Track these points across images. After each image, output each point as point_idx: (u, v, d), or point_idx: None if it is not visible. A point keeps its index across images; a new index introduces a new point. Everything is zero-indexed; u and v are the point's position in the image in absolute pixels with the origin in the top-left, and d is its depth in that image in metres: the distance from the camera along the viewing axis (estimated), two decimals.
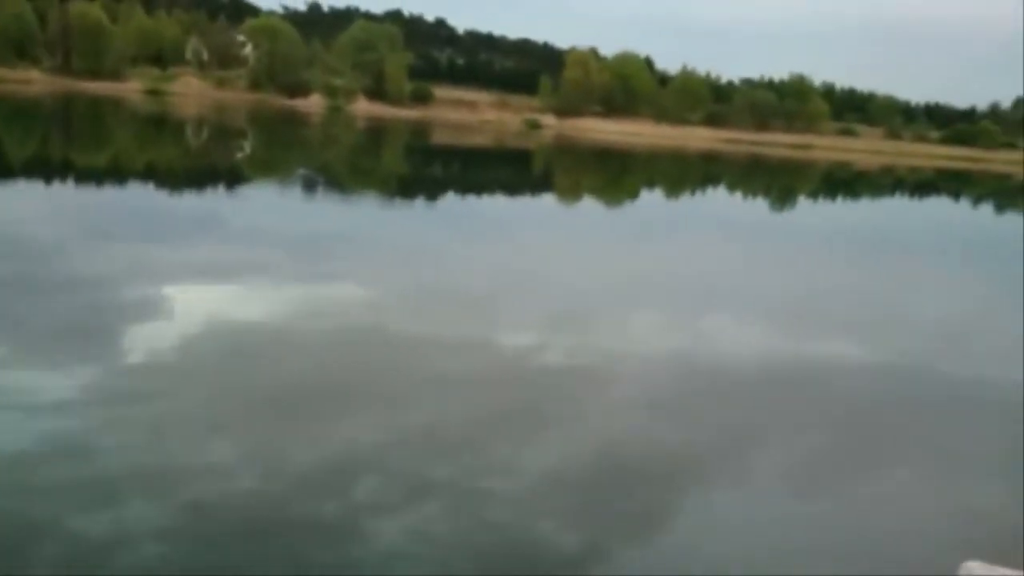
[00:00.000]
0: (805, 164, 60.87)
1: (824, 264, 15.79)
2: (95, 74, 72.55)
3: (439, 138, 55.65)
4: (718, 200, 29.76)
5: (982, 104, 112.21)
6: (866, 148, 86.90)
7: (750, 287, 12.29)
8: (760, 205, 29.29)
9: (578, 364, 7.57)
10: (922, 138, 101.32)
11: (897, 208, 32.87)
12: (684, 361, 8.02)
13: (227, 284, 9.44)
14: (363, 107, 79.51)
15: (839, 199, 35.25)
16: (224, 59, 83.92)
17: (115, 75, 73.94)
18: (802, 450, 6.03)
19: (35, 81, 69.82)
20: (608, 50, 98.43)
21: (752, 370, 7.88)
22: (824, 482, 5.51)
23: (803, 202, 32.26)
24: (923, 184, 50.87)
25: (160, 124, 42.92)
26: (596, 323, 9.19)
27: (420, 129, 62.18)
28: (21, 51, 74.55)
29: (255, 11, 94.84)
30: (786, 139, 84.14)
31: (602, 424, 6.15)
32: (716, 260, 14.81)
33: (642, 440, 5.96)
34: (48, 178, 18.55)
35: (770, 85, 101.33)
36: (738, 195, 33.42)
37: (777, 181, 43.86)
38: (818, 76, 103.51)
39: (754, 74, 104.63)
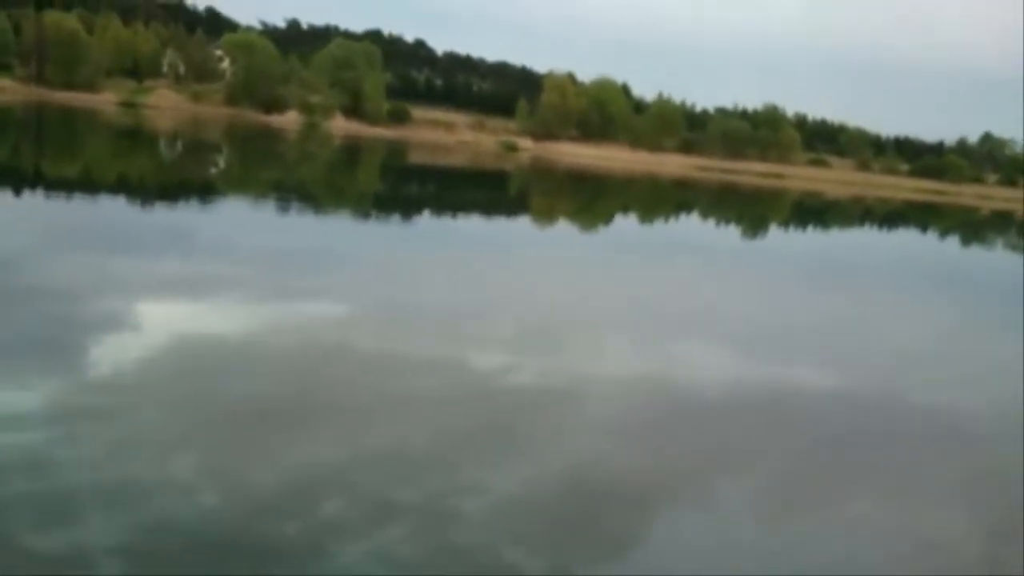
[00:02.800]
0: (777, 192, 61.66)
1: (794, 291, 15.96)
2: (70, 85, 71.91)
3: (416, 158, 55.70)
4: (691, 226, 30.01)
5: (950, 139, 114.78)
6: (837, 178, 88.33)
7: (720, 313, 12.37)
8: (732, 232, 29.57)
9: (545, 385, 7.56)
10: (892, 170, 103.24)
11: (866, 238, 33.34)
12: (652, 385, 8.04)
13: (195, 299, 9.33)
14: (340, 125, 79.48)
15: (810, 228, 35.72)
16: (201, 73, 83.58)
17: (90, 86, 73.35)
18: (766, 476, 6.05)
19: (7, 90, 69.01)
20: (585, 75, 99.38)
21: (720, 396, 7.92)
22: (788, 509, 5.52)
23: (774, 230, 32.63)
24: (892, 215, 51.69)
25: (134, 137, 42.55)
26: (565, 345, 9.20)
27: (397, 148, 62.21)
28: None
29: (233, 26, 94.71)
30: (759, 167, 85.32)
31: (568, 447, 6.12)
32: (687, 285, 14.92)
33: (609, 463, 5.95)
34: (17, 188, 18.29)
35: (743, 115, 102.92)
36: (711, 222, 33.73)
37: (749, 209, 44.36)
38: (791, 107, 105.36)
39: (728, 103, 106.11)
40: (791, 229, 34.47)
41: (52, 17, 76.38)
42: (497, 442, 6.06)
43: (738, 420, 7.29)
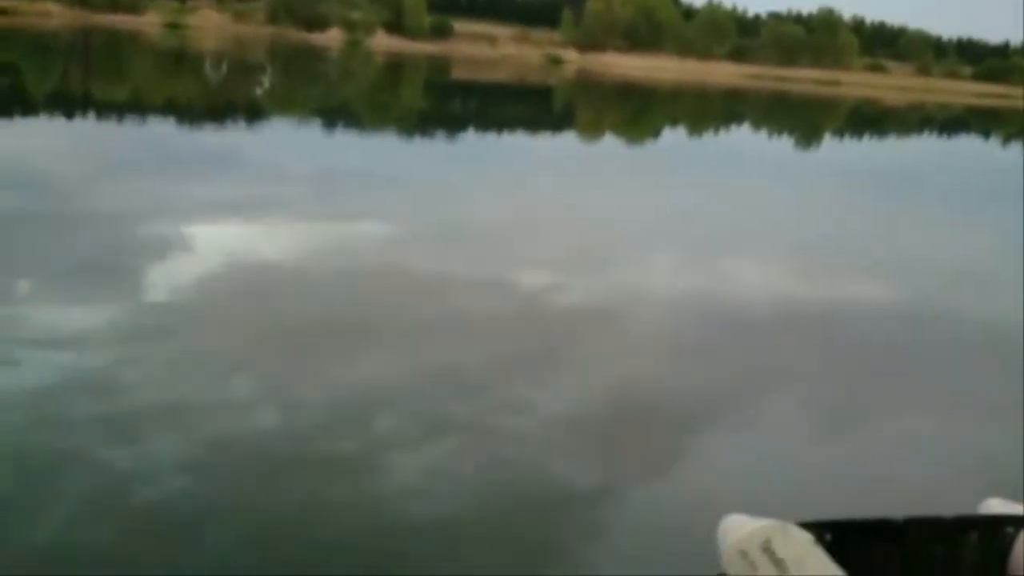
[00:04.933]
0: (832, 100, 59.60)
1: (847, 204, 15.56)
2: (114, 6, 71.80)
3: (459, 73, 54.87)
4: (742, 137, 29.28)
5: (1015, 39, 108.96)
6: (895, 84, 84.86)
7: (770, 227, 12.15)
8: (784, 143, 28.80)
9: (593, 304, 7.56)
10: (953, 74, 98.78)
11: (924, 147, 32.21)
12: (701, 303, 7.98)
13: (245, 221, 9.45)
14: (382, 41, 78.38)
15: (866, 137, 34.59)
16: None
17: (133, 8, 73.15)
18: (817, 392, 6.01)
19: (53, 14, 69.15)
20: None
21: (769, 312, 7.84)
22: (839, 425, 5.50)
23: (828, 140, 31.68)
24: (952, 122, 49.73)
25: (179, 58, 42.58)
26: (612, 263, 9.15)
27: (440, 64, 61.29)
28: None
29: None
30: (813, 74, 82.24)
31: (615, 366, 6.15)
32: (737, 200, 14.63)
33: (656, 381, 5.97)
34: (69, 112, 18.52)
35: (798, 19, 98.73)
36: (763, 132, 32.86)
37: (803, 118, 43.03)
38: (848, 10, 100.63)
39: (781, 7, 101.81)
40: (846, 138, 33.43)
41: None
42: (545, 361, 6.11)
43: (788, 336, 7.23)
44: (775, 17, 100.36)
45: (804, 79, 79.41)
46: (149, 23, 69.97)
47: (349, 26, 78.41)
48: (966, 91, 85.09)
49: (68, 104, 20.09)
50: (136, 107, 20.95)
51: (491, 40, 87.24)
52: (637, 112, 38.38)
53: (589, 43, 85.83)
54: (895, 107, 58.77)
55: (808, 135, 32.28)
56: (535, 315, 7.13)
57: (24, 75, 27.23)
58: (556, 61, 78.59)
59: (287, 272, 7.59)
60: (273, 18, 79.33)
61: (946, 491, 4.57)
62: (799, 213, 13.83)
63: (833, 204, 15.41)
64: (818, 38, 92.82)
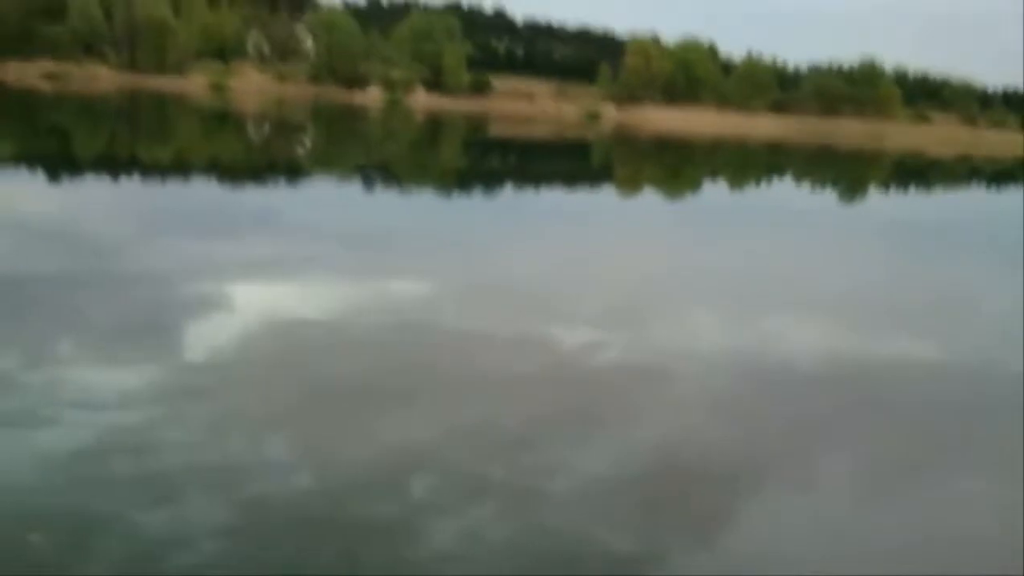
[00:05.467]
0: (876, 152, 59.19)
1: (894, 258, 15.26)
2: (160, 69, 74.51)
3: (498, 130, 55.63)
4: (784, 191, 29.10)
5: None
6: (941, 135, 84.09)
7: (814, 282, 11.93)
8: (828, 196, 28.54)
9: (633, 362, 7.42)
10: (1000, 124, 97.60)
11: (972, 200, 31.68)
12: (744, 360, 7.79)
13: (285, 279, 9.52)
14: (422, 99, 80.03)
15: (912, 189, 34.17)
16: (284, 52, 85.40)
17: (179, 70, 75.85)
18: (865, 453, 5.78)
19: (102, 78, 71.97)
20: (670, 36, 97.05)
21: (814, 369, 7.62)
22: (890, 487, 5.26)
23: (873, 193, 31.34)
24: (1001, 174, 48.97)
25: (223, 119, 43.81)
26: (652, 320, 9.02)
27: (479, 121, 62.26)
28: (89, 48, 77.02)
29: (315, 4, 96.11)
30: (856, 126, 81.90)
31: (657, 425, 5.99)
32: (779, 254, 14.44)
33: (700, 441, 5.79)
34: (115, 173, 19.04)
35: (839, 71, 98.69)
36: (805, 185, 32.63)
37: (846, 170, 42.72)
38: (889, 60, 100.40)
39: (822, 59, 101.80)
40: (891, 191, 33.05)
41: (142, 3, 79.09)
42: (585, 420, 5.98)
43: (834, 394, 7.01)
44: (815, 70, 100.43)
45: (847, 131, 79.10)
46: (194, 84, 72.35)
47: (389, 84, 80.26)
48: (1014, 142, 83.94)
49: (114, 165, 20.67)
50: (180, 167, 21.49)
51: (529, 96, 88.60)
52: (676, 166, 38.43)
53: (627, 97, 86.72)
54: (941, 158, 58.14)
55: (852, 188, 31.97)
56: (574, 373, 7.01)
57: (72, 138, 28.18)
58: (594, 116, 79.40)
59: (325, 330, 7.59)
60: (315, 77, 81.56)
61: (1000, 555, 4.32)
62: (843, 267, 13.58)
63: (878, 258, 15.13)
64: (860, 90, 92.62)
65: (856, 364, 7.93)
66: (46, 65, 71.45)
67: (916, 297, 11.45)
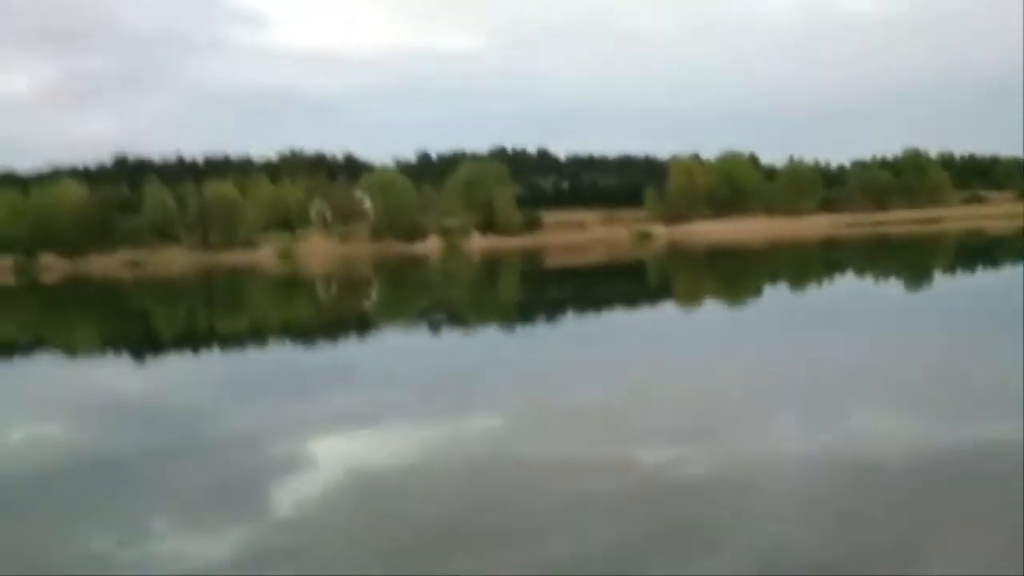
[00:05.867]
0: (934, 237, 58.21)
1: (972, 340, 14.78)
2: (231, 245, 78.53)
3: (553, 261, 56.60)
4: (847, 286, 28.69)
5: None
6: (998, 213, 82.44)
7: (892, 374, 11.60)
8: (893, 286, 28.01)
9: (718, 474, 7.27)
10: None
11: None
12: (833, 461, 7.55)
13: (363, 430, 9.70)
14: (477, 242, 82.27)
15: (978, 269, 33.34)
16: (346, 215, 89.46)
17: (249, 243, 79.88)
18: (982, 551, 5.49)
19: (178, 259, 76.08)
20: (710, 152, 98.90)
21: (908, 464, 7.33)
22: None
23: (939, 277, 30.65)
24: None
25: (292, 284, 45.61)
26: (730, 429, 8.85)
27: (533, 255, 63.51)
28: (164, 233, 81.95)
29: (370, 167, 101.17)
30: (910, 215, 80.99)
31: (754, 537, 5.81)
32: (852, 349, 14.12)
33: (802, 550, 5.59)
34: (196, 348, 19.88)
35: (883, 163, 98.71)
36: (868, 278, 32.14)
37: (908, 259, 42.01)
38: (934, 146, 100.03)
39: (866, 154, 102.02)
40: (958, 273, 32.30)
41: (211, 188, 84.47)
42: (678, 539, 5.84)
43: (933, 489, 6.72)
44: (859, 165, 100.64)
45: (901, 220, 78.23)
46: (264, 255, 75.84)
47: (445, 232, 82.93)
48: None
49: (194, 340, 21.60)
50: (257, 334, 22.32)
51: (580, 225, 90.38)
52: (734, 274, 38.35)
53: (675, 215, 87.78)
54: (1003, 235, 56.85)
55: (917, 275, 31.37)
56: (660, 492, 6.89)
57: (154, 319, 29.63)
58: (645, 236, 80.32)
59: (408, 477, 7.65)
60: (375, 235, 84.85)
61: None
62: (920, 356, 13.20)
63: (955, 343, 14.68)
64: (907, 179, 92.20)
65: (949, 455, 7.62)
66: (126, 254, 76.04)
67: (1002, 379, 11.01)
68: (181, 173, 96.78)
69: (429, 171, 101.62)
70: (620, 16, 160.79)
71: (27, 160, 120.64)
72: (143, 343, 21.04)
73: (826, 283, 31.03)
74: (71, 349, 20.96)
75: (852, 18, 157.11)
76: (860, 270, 35.96)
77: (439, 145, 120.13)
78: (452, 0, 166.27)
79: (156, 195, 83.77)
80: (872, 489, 6.77)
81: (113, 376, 15.86)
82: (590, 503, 6.66)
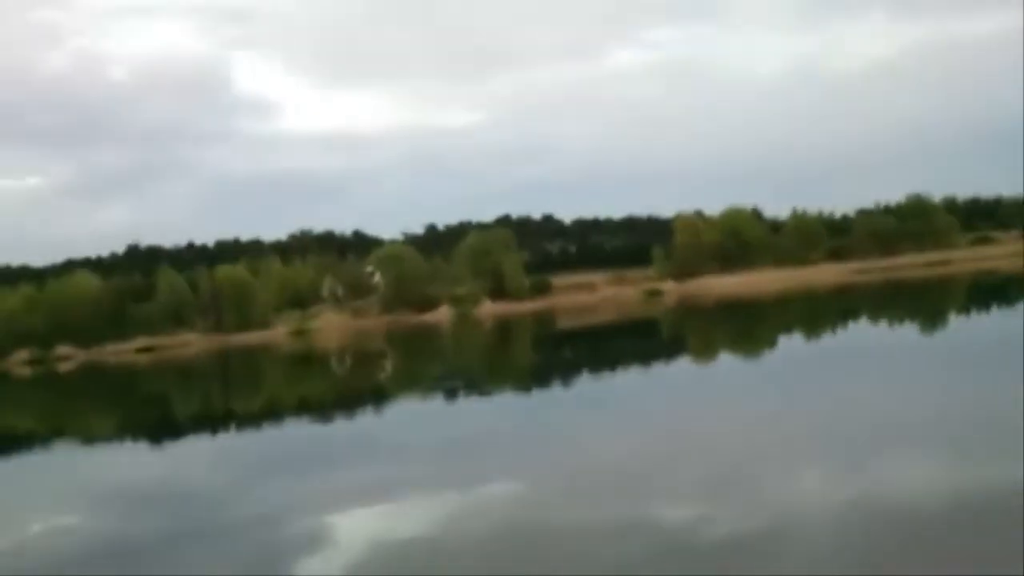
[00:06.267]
0: (946, 280, 58.04)
1: (993, 379, 14.66)
2: (244, 326, 78.88)
3: (564, 323, 56.59)
4: (862, 332, 28.57)
5: None
6: (1008, 251, 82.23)
7: (915, 417, 11.50)
8: (908, 329, 27.87)
9: (746, 531, 7.19)
10: None
11: None
12: (863, 510, 7.46)
13: (383, 503, 9.66)
14: (488, 308, 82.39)
15: (994, 308, 33.18)
16: (357, 290, 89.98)
17: (262, 324, 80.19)
18: None
19: (192, 343, 76.40)
20: (713, 208, 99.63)
21: (941, 507, 7.26)
22: None
23: (955, 318, 30.50)
24: None
25: (307, 361, 45.69)
26: (755, 484, 8.77)
27: (544, 318, 63.53)
28: (178, 318, 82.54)
29: (379, 242, 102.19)
30: (919, 259, 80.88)
31: None
32: (873, 395, 14.03)
33: None
34: (213, 429, 19.89)
35: (887, 210, 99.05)
36: (883, 323, 32.01)
37: (921, 302, 41.84)
38: (936, 191, 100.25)
39: (868, 203, 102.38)
40: (973, 313, 32.15)
41: (222, 271, 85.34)
42: None
43: (969, 529, 6.63)
44: (863, 213, 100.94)
45: (912, 264, 78.16)
46: (277, 335, 76.10)
47: (456, 301, 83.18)
48: None
49: (211, 422, 21.61)
50: (273, 413, 22.32)
51: (589, 286, 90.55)
52: (746, 326, 38.25)
53: (682, 271, 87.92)
54: (1015, 273, 56.65)
55: (931, 318, 31.23)
56: (687, 553, 6.82)
57: (171, 403, 29.69)
58: (654, 293, 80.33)
59: (431, 547, 7.61)
60: (387, 308, 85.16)
61: None
62: (942, 398, 13.10)
63: (974, 382, 14.58)
64: (913, 224, 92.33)
65: (982, 495, 7.53)
66: (141, 341, 76.51)
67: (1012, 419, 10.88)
68: (193, 259, 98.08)
69: (437, 243, 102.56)
70: (617, 84, 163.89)
71: (42, 255, 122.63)
72: (160, 428, 21.05)
73: (841, 330, 30.88)
74: (95, 437, 20.96)
75: (844, 72, 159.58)
76: (874, 316, 35.81)
77: (446, 218, 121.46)
78: (453, 78, 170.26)
79: (169, 281, 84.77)
80: (902, 534, 6.68)
81: (131, 462, 15.86)
82: (614, 568, 6.59)
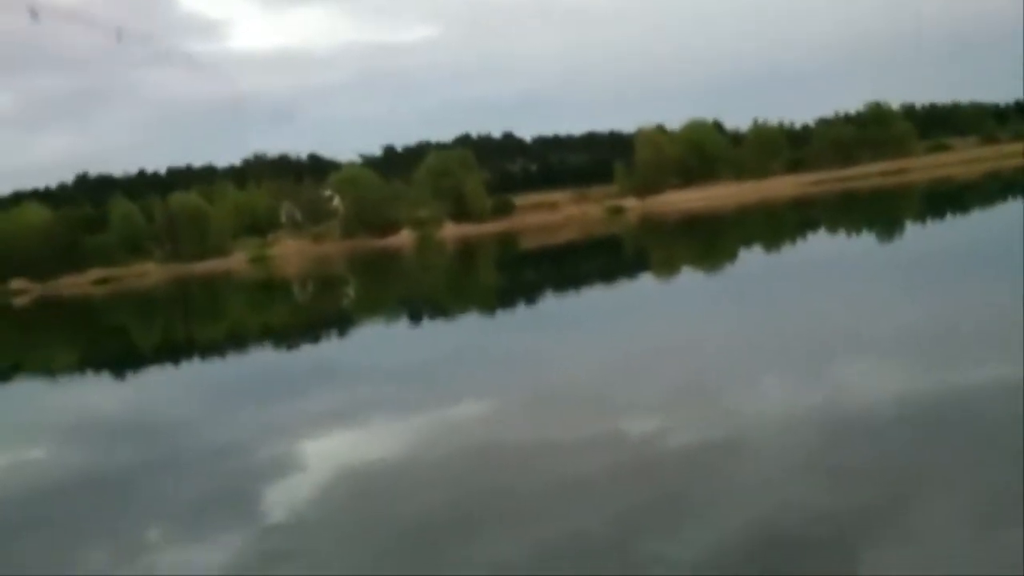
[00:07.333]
0: (903, 188, 58.79)
1: (945, 287, 14.95)
2: (202, 255, 77.66)
3: (527, 243, 56.59)
4: (820, 243, 28.93)
5: None
6: (964, 158, 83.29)
7: (870, 326, 11.69)
8: (866, 239, 28.26)
9: (707, 441, 7.31)
10: (1021, 136, 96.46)
11: (1013, 213, 31.13)
12: (819, 416, 7.62)
13: (349, 427, 9.66)
14: (450, 231, 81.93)
15: (948, 216, 33.74)
16: (315, 215, 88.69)
17: (220, 251, 79.00)
18: (969, 494, 5.56)
19: (150, 273, 75.20)
20: (674, 122, 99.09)
21: (895, 414, 7.42)
22: (999, 526, 5.05)
23: (911, 227, 30.98)
24: None
25: (268, 288, 45.26)
26: (716, 395, 8.89)
27: (508, 239, 63.44)
28: (134, 247, 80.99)
29: (336, 165, 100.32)
30: (876, 168, 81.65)
31: (746, 501, 5.85)
32: (830, 304, 14.24)
33: (794, 510, 5.63)
34: (175, 359, 19.69)
35: (847, 119, 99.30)
36: (840, 234, 32.43)
37: (878, 212, 42.41)
38: (894, 98, 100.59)
39: (828, 111, 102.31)
40: (928, 222, 32.67)
41: (176, 199, 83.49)
42: (672, 510, 5.88)
43: (923, 437, 6.79)
44: (823, 122, 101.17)
45: (869, 174, 78.93)
46: (236, 262, 75.11)
47: (417, 224, 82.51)
48: None
49: (174, 351, 21.38)
50: (236, 340, 22.14)
51: (551, 206, 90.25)
52: (708, 241, 38.54)
53: (645, 187, 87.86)
54: (971, 180, 57.51)
55: (888, 227, 31.68)
56: (651, 463, 6.92)
57: (132, 333, 29.28)
58: (617, 211, 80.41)
59: (398, 470, 7.64)
60: (347, 232, 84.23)
61: None
62: (899, 307, 13.33)
63: (931, 290, 14.85)
64: (872, 132, 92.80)
65: (935, 401, 7.70)
66: (97, 272, 75.10)
67: (977, 324, 11.13)
68: (145, 187, 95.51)
69: (396, 165, 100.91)
70: None
71: None
72: (122, 359, 20.78)
73: (800, 241, 31.24)
74: (57, 370, 20.63)
75: None
76: (832, 227, 36.23)
77: (404, 138, 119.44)
78: None
79: (122, 211, 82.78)
80: (859, 442, 6.83)
81: (95, 395, 15.68)
82: (579, 481, 6.67)
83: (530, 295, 23.74)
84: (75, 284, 73.00)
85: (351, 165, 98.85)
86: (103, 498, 8.06)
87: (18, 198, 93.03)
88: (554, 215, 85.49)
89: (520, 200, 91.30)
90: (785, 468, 6.39)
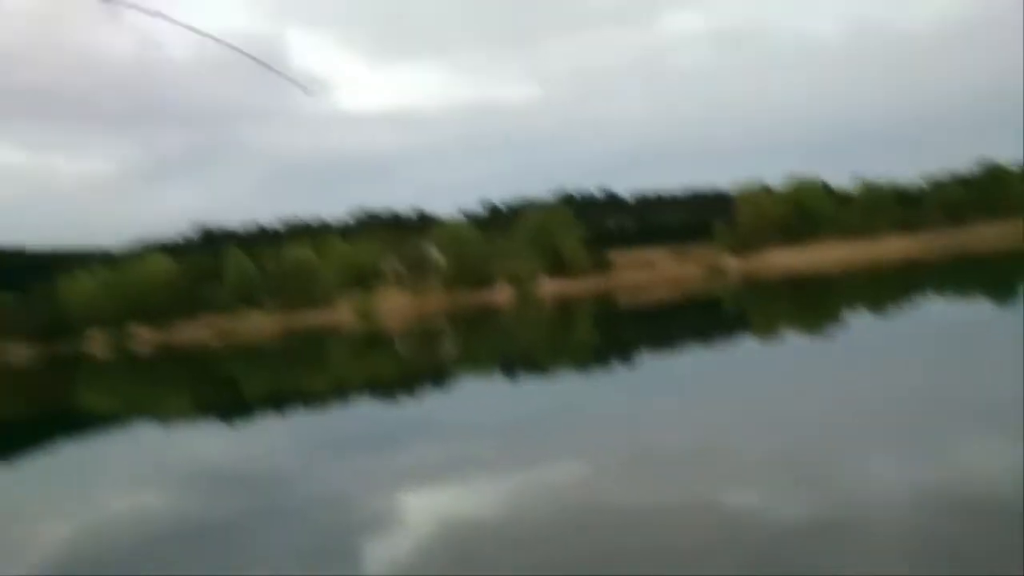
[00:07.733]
0: (1019, 249, 55.88)
1: None
2: (309, 305, 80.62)
3: (625, 300, 56.31)
4: (932, 307, 27.78)
5: None
6: None
7: (994, 396, 11.18)
8: (981, 304, 26.97)
9: (815, 517, 7.15)
10: None
11: None
12: (941, 496, 7.33)
13: (450, 483, 9.85)
14: (548, 286, 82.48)
15: None
16: (418, 268, 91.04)
17: (327, 303, 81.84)
18: None
19: (260, 323, 78.41)
20: (773, 178, 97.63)
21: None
22: None
23: None
24: None
25: (371, 341, 46.46)
26: (826, 468, 8.66)
27: (604, 296, 63.32)
28: (245, 297, 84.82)
29: (439, 221, 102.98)
30: (992, 229, 77.91)
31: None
32: (940, 372, 13.68)
33: None
34: (281, 409, 20.45)
35: (960, 180, 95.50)
36: (952, 297, 31.05)
37: (994, 274, 40.40)
38: (1005, 156, 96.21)
39: (934, 168, 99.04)
40: None
41: (288, 251, 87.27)
42: None
43: None
44: (935, 183, 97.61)
45: (983, 235, 75.40)
46: (341, 313, 77.50)
47: (516, 279, 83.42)
48: None
49: (280, 402, 22.20)
50: (341, 393, 22.82)
51: (649, 264, 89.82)
52: (811, 302, 37.51)
53: (745, 246, 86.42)
54: None
55: (1004, 290, 30.16)
56: (754, 537, 6.83)
57: (241, 384, 30.57)
58: (716, 270, 79.30)
59: (498, 529, 7.76)
60: (448, 286, 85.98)
61: None
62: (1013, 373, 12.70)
63: None
64: (988, 193, 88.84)
65: None
66: (210, 320, 78.85)
67: None
68: (260, 240, 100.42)
69: (497, 221, 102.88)
70: (672, 54, 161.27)
71: (115, 237, 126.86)
72: (230, 409, 21.70)
73: (909, 305, 30.05)
74: (194, 418, 21.71)
75: (905, 33, 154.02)
76: (943, 290, 34.75)
77: (505, 194, 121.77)
78: (505, 54, 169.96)
79: (237, 262, 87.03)
80: (977, 522, 6.57)
81: (205, 443, 16.44)
82: (677, 548, 6.64)
83: (627, 354, 23.59)
84: (190, 331, 76.72)
85: (453, 221, 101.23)
86: (208, 545, 8.43)
87: (143, 249, 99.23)
88: (651, 273, 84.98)
89: (618, 257, 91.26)
90: (892, 547, 6.21)
